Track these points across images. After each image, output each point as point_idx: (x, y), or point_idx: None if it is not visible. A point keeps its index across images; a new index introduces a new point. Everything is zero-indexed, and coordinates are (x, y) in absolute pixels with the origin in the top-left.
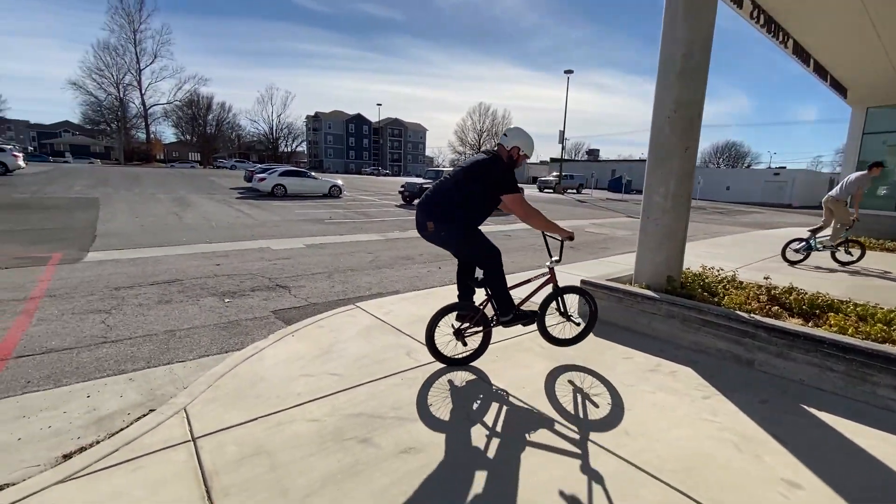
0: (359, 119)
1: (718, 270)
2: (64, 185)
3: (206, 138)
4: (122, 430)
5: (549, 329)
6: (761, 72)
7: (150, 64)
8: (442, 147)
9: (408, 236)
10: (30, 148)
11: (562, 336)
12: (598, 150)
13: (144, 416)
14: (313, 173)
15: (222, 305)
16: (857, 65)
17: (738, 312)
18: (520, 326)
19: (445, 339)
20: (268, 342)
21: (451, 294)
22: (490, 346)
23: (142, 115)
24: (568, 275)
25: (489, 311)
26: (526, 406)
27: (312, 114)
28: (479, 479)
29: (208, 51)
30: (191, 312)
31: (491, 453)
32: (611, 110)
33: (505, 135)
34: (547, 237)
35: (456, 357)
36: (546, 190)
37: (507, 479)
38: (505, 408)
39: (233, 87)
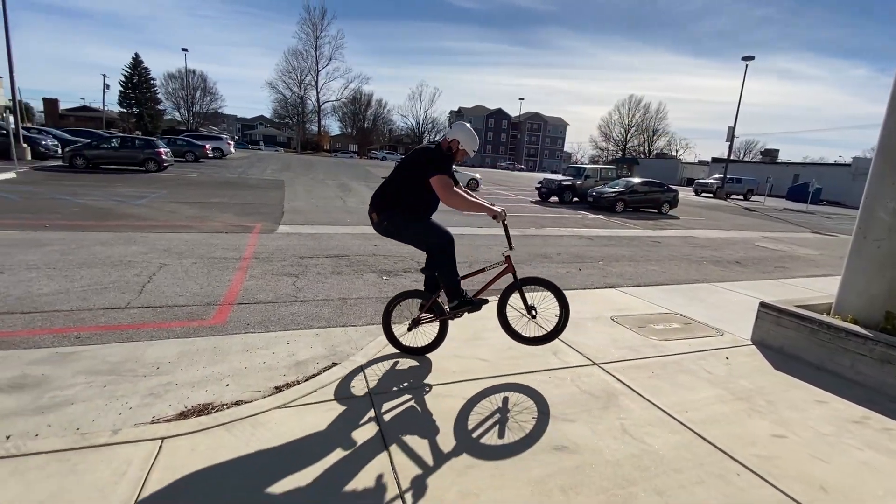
0: (499, 114)
1: None
2: (260, 168)
3: (364, 132)
4: (314, 375)
5: (510, 322)
6: None
7: (326, 66)
8: (582, 143)
9: (544, 234)
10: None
11: (527, 333)
12: (777, 151)
13: (330, 367)
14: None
15: (381, 282)
16: None
17: None
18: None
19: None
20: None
21: (593, 297)
22: (646, 359)
23: (315, 111)
24: (740, 294)
25: (444, 300)
26: (690, 430)
27: (456, 109)
28: (635, 496)
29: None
30: (357, 284)
31: (651, 474)
32: (798, 102)
33: (450, 128)
34: (508, 229)
35: (412, 346)
36: (704, 194)
37: (668, 499)
38: (664, 429)
39: (389, 84)
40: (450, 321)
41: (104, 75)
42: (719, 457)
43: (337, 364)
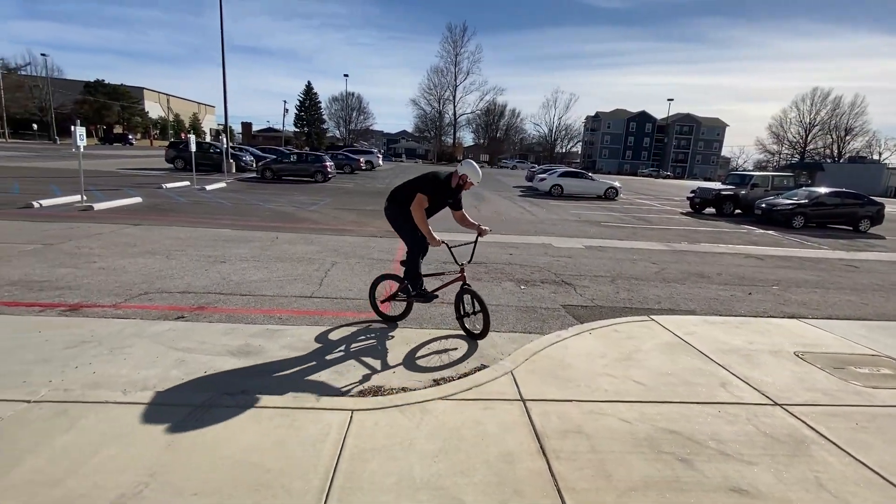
0: (642, 117)
1: None
2: (403, 178)
3: (496, 141)
4: (467, 374)
5: (464, 321)
6: None
7: (463, 80)
8: (745, 146)
9: (700, 250)
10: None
11: (473, 330)
12: None
13: (480, 369)
14: (591, 174)
15: (519, 291)
16: None
17: None
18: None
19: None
20: (568, 333)
21: (768, 328)
22: (847, 408)
23: (451, 124)
24: None
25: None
26: None
27: (593, 114)
28: None
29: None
30: (496, 292)
31: None
32: None
33: (460, 164)
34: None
35: (387, 315)
36: None
37: None
38: (878, 494)
39: (524, 93)
40: (414, 302)
41: (284, 101)
42: None
43: (486, 367)
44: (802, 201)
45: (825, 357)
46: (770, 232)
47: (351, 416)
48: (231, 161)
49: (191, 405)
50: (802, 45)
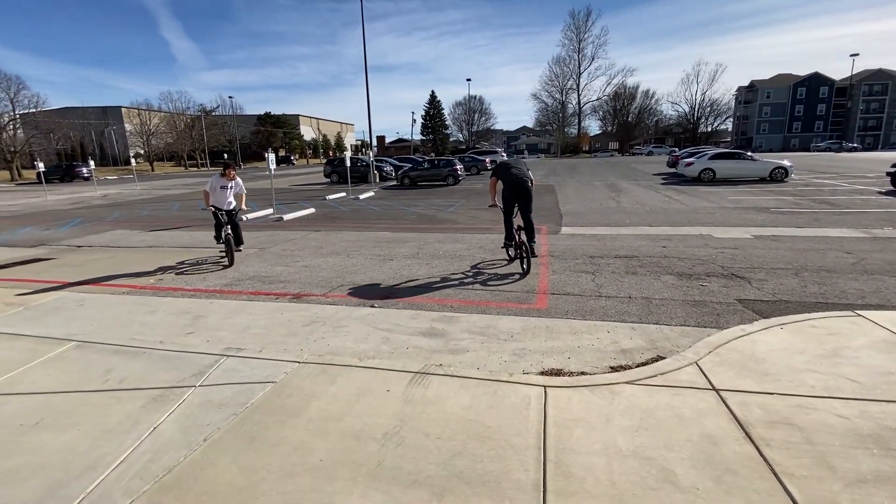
0: (814, 80)
1: None
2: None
3: (626, 126)
4: (645, 364)
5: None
6: None
7: (588, 66)
8: None
9: None
10: (504, 149)
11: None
12: None
13: (658, 359)
14: (751, 154)
15: (682, 284)
16: None
17: None
18: None
19: None
20: (754, 328)
21: None
22: None
23: (576, 114)
24: None
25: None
26: None
27: (746, 84)
28: None
29: (637, 39)
30: (656, 286)
31: None
32: None
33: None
34: None
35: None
36: None
37: None
38: None
39: (659, 71)
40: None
41: (412, 112)
42: None
43: (664, 357)
44: None
45: None
46: None
47: (545, 391)
48: (375, 172)
49: (410, 371)
50: None
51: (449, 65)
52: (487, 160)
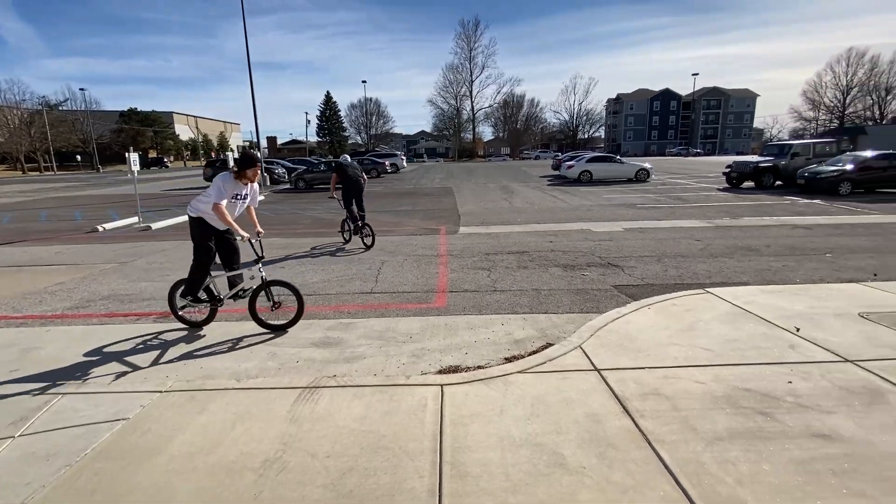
0: (665, 95)
1: None
2: (429, 178)
3: (516, 133)
4: (536, 351)
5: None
6: None
7: (479, 75)
8: (778, 115)
9: (742, 224)
10: (404, 152)
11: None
12: None
13: (547, 346)
14: (619, 158)
15: (567, 275)
16: None
17: None
18: None
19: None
20: (627, 310)
21: (828, 293)
22: None
23: (470, 119)
24: None
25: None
26: None
27: (614, 96)
28: None
29: (522, 52)
30: (545, 278)
31: None
32: None
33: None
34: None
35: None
36: None
37: None
38: None
39: (542, 82)
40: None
41: (306, 113)
42: None
43: (553, 344)
44: (847, 167)
45: (892, 316)
46: (816, 201)
47: (442, 390)
48: (265, 174)
49: (298, 387)
50: (830, 3)
51: (344, 66)
52: (387, 163)
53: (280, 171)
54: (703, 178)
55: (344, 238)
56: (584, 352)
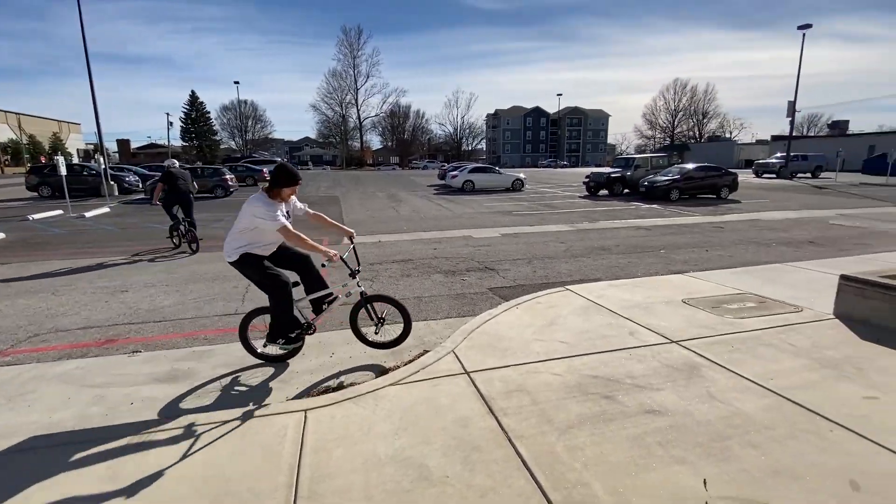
0: (536, 112)
1: None
2: (314, 186)
3: (404, 143)
4: (412, 360)
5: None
6: None
7: (364, 83)
8: (626, 133)
9: (598, 227)
10: (285, 159)
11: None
12: (847, 122)
13: (423, 354)
14: (498, 169)
15: (448, 281)
16: None
17: None
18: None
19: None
20: (498, 311)
21: (660, 283)
22: (725, 336)
23: (357, 128)
24: (817, 273)
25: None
26: (778, 395)
27: (492, 112)
28: (730, 448)
29: (407, 64)
30: (427, 285)
31: (743, 430)
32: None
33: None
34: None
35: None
36: (766, 175)
37: (764, 451)
38: (751, 395)
39: (428, 94)
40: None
41: (168, 114)
42: (810, 416)
43: (429, 351)
44: (676, 177)
45: (705, 300)
46: (654, 206)
47: (305, 416)
48: (112, 183)
49: (125, 436)
50: (664, 41)
51: (214, 64)
52: (265, 170)
53: (132, 178)
54: (569, 187)
55: (174, 243)
56: (456, 356)
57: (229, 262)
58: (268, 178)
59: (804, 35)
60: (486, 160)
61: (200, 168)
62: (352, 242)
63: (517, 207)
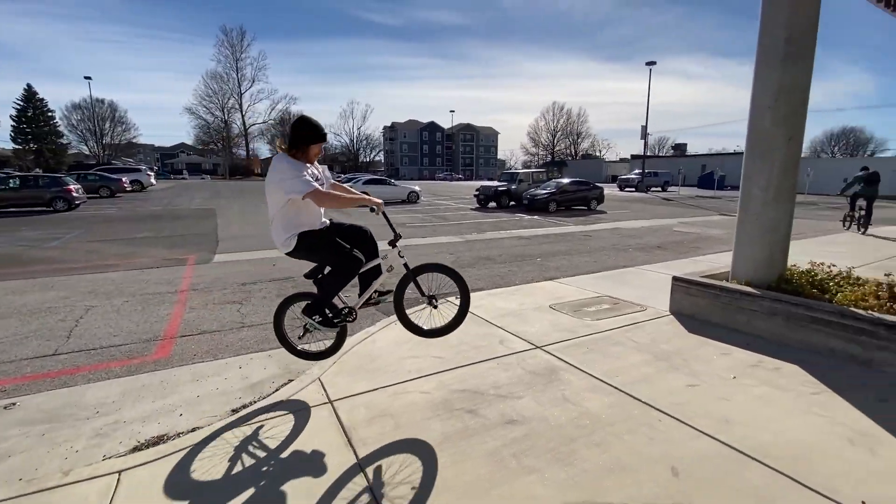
0: (432, 126)
1: (830, 267)
2: (187, 198)
3: None
4: (271, 393)
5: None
6: (887, 43)
7: (249, 88)
8: (514, 149)
9: (486, 238)
10: (155, 167)
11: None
12: (686, 145)
13: (286, 384)
14: (393, 181)
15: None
16: None
17: (854, 309)
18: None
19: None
20: (376, 328)
21: (533, 290)
22: (582, 338)
23: (242, 135)
24: (660, 274)
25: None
26: (620, 391)
27: (389, 124)
28: (577, 450)
29: (297, 70)
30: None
31: (589, 430)
32: (698, 99)
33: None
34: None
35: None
36: (627, 189)
37: (604, 449)
38: (599, 393)
39: (319, 103)
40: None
41: None
42: (645, 409)
43: (293, 380)
44: (553, 190)
45: (568, 305)
46: (535, 217)
47: (118, 479)
48: None
49: None
50: (543, 67)
51: (59, 56)
52: (126, 179)
53: None
54: (462, 199)
55: None
56: (321, 384)
57: (287, 254)
58: (129, 189)
59: (650, 70)
60: (385, 172)
61: (36, 177)
62: (382, 213)
63: (411, 219)
